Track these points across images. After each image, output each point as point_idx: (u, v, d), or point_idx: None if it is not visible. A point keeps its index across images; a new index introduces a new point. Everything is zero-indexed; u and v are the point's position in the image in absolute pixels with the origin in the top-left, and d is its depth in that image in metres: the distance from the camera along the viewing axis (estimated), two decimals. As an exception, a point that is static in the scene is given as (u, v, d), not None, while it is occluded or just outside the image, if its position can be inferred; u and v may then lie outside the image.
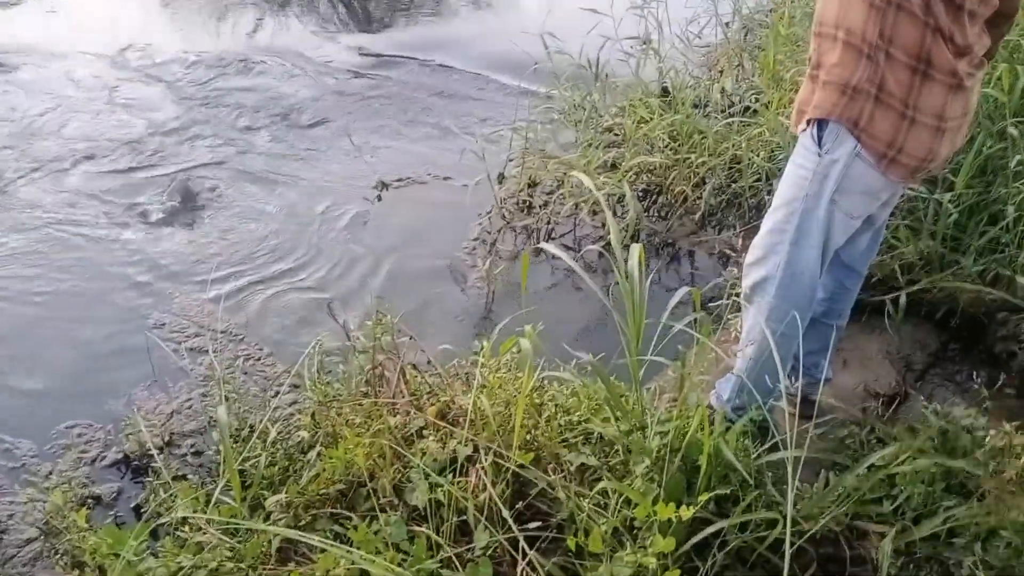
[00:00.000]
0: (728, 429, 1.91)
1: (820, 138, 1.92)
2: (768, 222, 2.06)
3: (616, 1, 3.91)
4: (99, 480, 2.49)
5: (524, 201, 3.63)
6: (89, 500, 2.41)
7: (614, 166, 3.67)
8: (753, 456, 1.91)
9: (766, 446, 1.98)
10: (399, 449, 1.99)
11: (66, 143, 4.18)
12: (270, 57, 5.07)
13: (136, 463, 2.55)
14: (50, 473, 2.49)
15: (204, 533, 2.00)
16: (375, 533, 1.88)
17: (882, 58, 1.81)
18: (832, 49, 1.88)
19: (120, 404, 2.73)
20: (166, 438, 2.60)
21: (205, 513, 2.05)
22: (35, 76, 4.82)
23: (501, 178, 3.74)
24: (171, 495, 2.23)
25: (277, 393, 2.74)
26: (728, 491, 1.80)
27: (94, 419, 2.67)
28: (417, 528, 1.86)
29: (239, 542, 1.99)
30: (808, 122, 1.95)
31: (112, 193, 3.83)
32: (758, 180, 3.47)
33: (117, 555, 1.95)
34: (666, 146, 3.67)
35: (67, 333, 3.07)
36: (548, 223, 3.52)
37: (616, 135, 3.91)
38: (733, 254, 3.04)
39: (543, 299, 3.13)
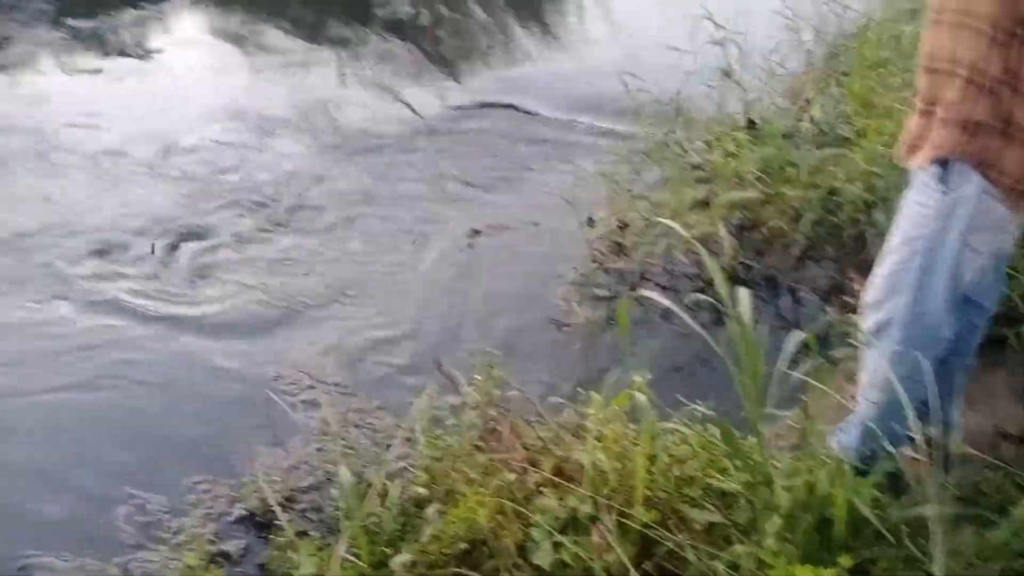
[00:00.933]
0: (860, 481, 1.85)
1: (943, 176, 1.87)
2: (888, 262, 2.01)
3: (694, 35, 3.92)
4: (226, 537, 2.57)
5: (616, 243, 3.64)
6: (218, 558, 2.49)
7: (705, 203, 3.65)
8: (889, 510, 1.85)
9: (902, 499, 1.92)
10: (519, 507, 2.00)
11: (179, 195, 4.38)
12: (355, 107, 5.23)
13: (260, 519, 2.62)
14: (179, 530, 2.58)
15: (331, 593, 2.05)
16: (501, 594, 1.90)
17: (1007, 92, 1.77)
18: (949, 85, 1.85)
19: (241, 459, 2.82)
20: (286, 494, 2.67)
21: (329, 571, 2.10)
22: (152, 129, 5.05)
23: (590, 221, 3.76)
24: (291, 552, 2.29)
25: (389, 447, 2.80)
26: (871, 551, 1.74)
27: (218, 474, 2.77)
28: (544, 589, 1.87)
29: (366, 603, 2.03)
30: (927, 160, 1.91)
31: (220, 236, 4.01)
32: (857, 211, 3.40)
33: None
34: (757, 179, 3.63)
35: (190, 385, 3.19)
36: (641, 265, 3.52)
37: (704, 171, 3.89)
38: (838, 289, 2.98)
39: (641, 343, 3.12)
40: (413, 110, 5.17)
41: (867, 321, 2.08)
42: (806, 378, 1.97)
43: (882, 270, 2.04)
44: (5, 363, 3.23)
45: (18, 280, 3.70)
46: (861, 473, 1.92)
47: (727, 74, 4.07)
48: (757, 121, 3.89)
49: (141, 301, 3.61)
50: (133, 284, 3.71)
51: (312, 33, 6.48)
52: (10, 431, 2.98)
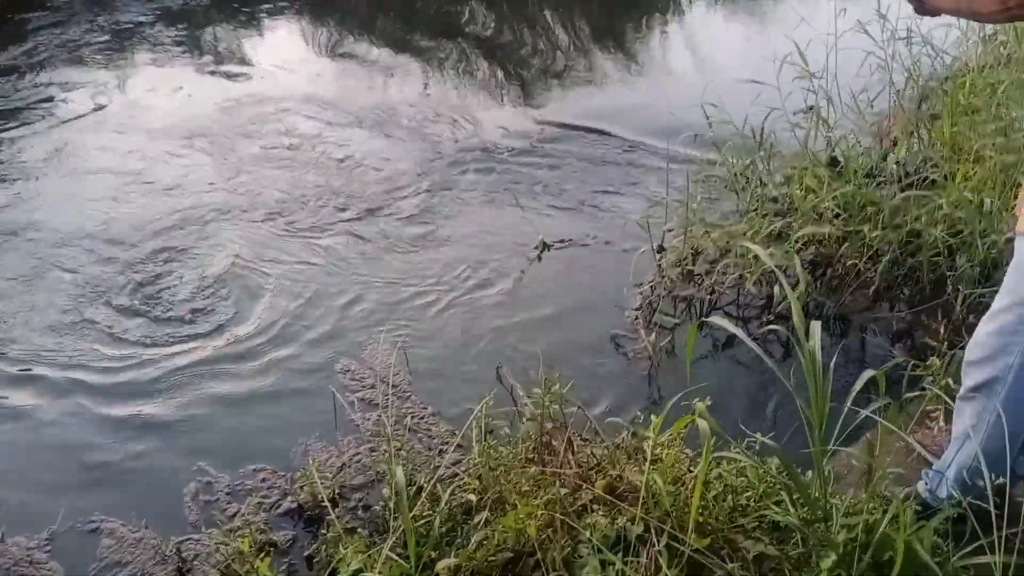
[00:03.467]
0: (922, 526, 1.79)
1: None
2: (995, 321, 1.96)
3: (781, 71, 3.87)
4: (276, 527, 2.62)
5: (686, 271, 3.60)
6: (266, 546, 2.53)
7: (779, 236, 3.59)
8: (951, 557, 1.78)
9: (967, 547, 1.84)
10: (570, 522, 1.98)
11: (271, 193, 4.54)
12: (436, 121, 5.31)
13: (309, 513, 2.66)
14: (234, 515, 2.64)
15: (375, 590, 2.06)
16: (544, 606, 1.88)
17: None
18: None
19: (298, 452, 2.88)
20: (337, 490, 2.71)
21: (375, 569, 2.11)
22: (235, 139, 5.25)
23: (662, 248, 3.73)
24: (341, 547, 2.32)
25: (441, 452, 2.81)
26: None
27: (276, 464, 2.83)
28: (587, 606, 1.84)
29: (409, 602, 2.03)
30: None
31: (307, 237, 4.15)
32: (937, 255, 3.30)
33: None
34: (836, 217, 3.55)
35: (267, 370, 3.30)
36: (711, 293, 3.47)
37: (781, 205, 3.82)
38: (910, 333, 2.89)
39: (706, 371, 3.08)
40: (492, 127, 5.22)
41: (969, 379, 2.03)
42: (874, 416, 1.91)
43: (988, 329, 1.99)
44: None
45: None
46: (925, 518, 1.86)
47: (812, 110, 4.01)
48: (840, 159, 3.82)
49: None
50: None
51: (399, 46, 6.63)
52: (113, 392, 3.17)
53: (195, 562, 2.51)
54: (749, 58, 5.72)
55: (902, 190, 3.49)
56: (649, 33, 7.04)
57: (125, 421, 3.06)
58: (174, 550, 2.53)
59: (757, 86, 3.86)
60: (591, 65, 6.25)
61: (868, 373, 1.97)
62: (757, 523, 2.02)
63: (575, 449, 2.27)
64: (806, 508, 1.91)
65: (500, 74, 6.15)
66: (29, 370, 3.30)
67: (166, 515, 2.68)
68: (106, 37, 6.74)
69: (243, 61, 6.45)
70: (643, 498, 1.95)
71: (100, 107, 5.60)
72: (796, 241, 3.45)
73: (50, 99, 5.72)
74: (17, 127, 5.33)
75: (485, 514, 2.23)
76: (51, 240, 4.14)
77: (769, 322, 3.08)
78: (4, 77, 6.01)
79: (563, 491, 2.09)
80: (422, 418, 3.04)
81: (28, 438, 3.02)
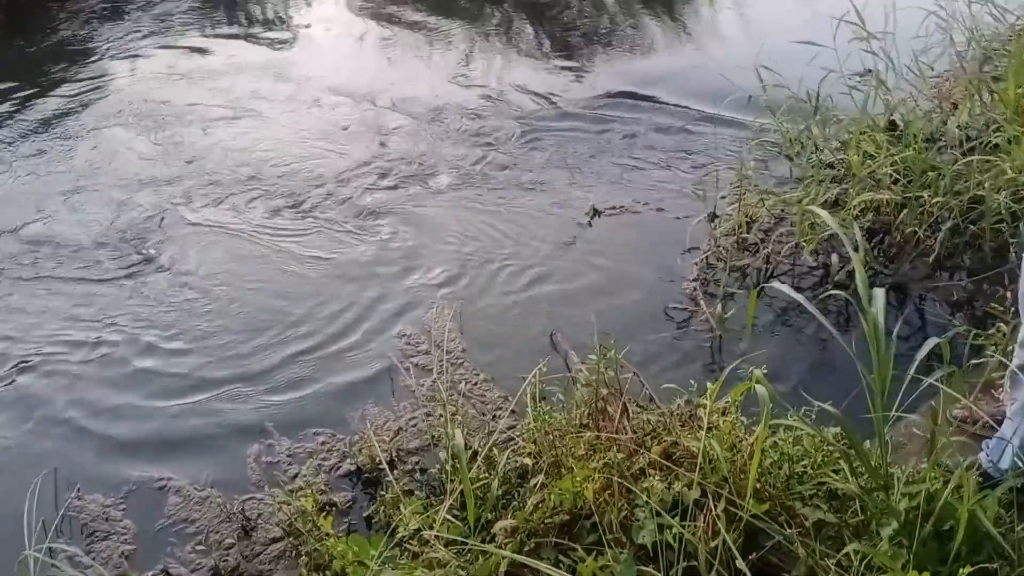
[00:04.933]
0: (986, 496, 1.77)
1: None
2: None
3: (838, 33, 3.78)
4: (336, 488, 2.69)
5: (741, 238, 3.56)
6: (327, 506, 2.60)
7: (836, 203, 3.53)
8: (1015, 527, 1.76)
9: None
10: (628, 484, 2.00)
11: (340, 167, 4.57)
12: (483, 87, 5.30)
13: (367, 475, 2.73)
14: (296, 476, 2.72)
15: (434, 549, 2.11)
16: (601, 568, 1.91)
17: None
18: None
19: (355, 416, 2.94)
20: (394, 453, 2.76)
21: (432, 529, 2.16)
22: (300, 113, 5.27)
23: (714, 216, 3.69)
24: (400, 507, 2.37)
25: (495, 417, 2.85)
26: (990, 566, 1.67)
27: (335, 428, 2.90)
28: (644, 568, 1.86)
29: (467, 562, 2.08)
30: None
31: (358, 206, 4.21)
32: (1000, 222, 3.21)
33: (360, 562, 2.09)
34: (894, 183, 3.48)
35: (325, 335, 3.36)
36: (767, 262, 3.44)
37: (837, 171, 3.75)
38: (971, 301, 2.84)
39: (763, 341, 3.06)
40: (544, 96, 5.18)
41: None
42: (937, 384, 1.89)
43: None
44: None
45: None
46: (988, 488, 1.84)
47: (870, 73, 3.91)
48: (899, 123, 3.72)
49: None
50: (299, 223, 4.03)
51: (444, 11, 6.60)
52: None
53: (259, 520, 2.59)
54: (803, 19, 5.59)
55: (964, 155, 3.39)
56: (698, -2, 6.89)
57: (192, 386, 3.15)
58: (239, 509, 2.61)
59: (812, 48, 3.78)
60: (639, 29, 6.16)
61: (932, 341, 1.94)
62: (815, 490, 2.02)
63: (630, 415, 2.28)
64: (866, 476, 1.90)
65: (546, 40, 6.10)
66: (99, 338, 3.41)
67: (231, 477, 2.77)
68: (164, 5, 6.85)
69: (292, 27, 6.49)
70: (700, 463, 1.96)
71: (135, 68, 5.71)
72: (853, 208, 3.39)
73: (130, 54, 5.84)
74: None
75: (541, 478, 2.26)
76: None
77: (827, 291, 3.03)
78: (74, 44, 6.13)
79: (619, 455, 2.11)
80: (475, 384, 3.08)
81: (101, 399, 3.12)
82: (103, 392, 3.14)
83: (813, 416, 2.14)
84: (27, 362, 3.27)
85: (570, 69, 5.54)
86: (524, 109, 4.99)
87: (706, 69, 5.13)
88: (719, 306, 3.19)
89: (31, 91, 5.47)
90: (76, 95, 5.42)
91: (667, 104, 4.90)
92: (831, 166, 3.77)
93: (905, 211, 3.38)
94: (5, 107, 5.27)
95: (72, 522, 2.61)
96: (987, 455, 2.16)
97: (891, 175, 3.49)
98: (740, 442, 2.16)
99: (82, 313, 3.54)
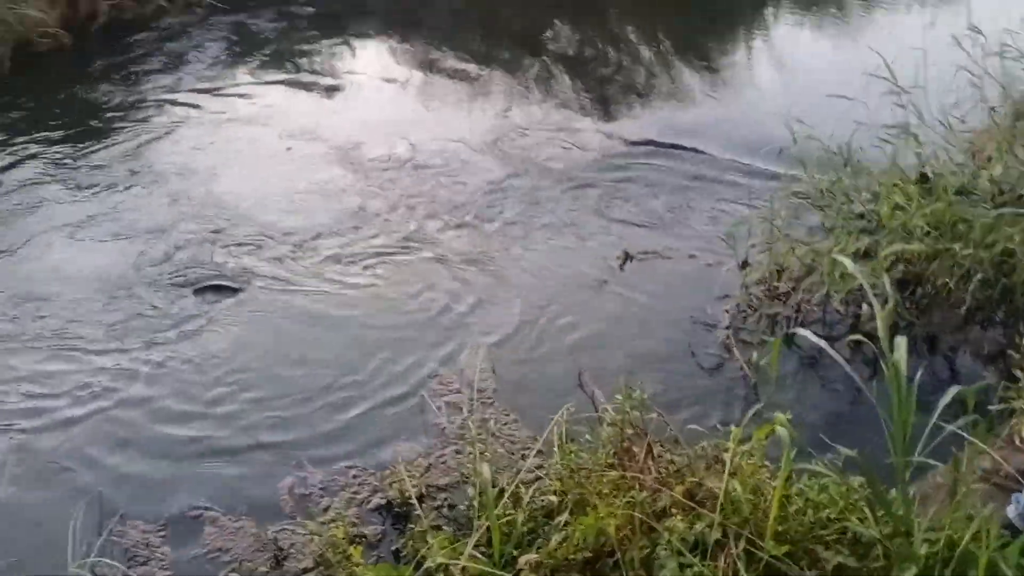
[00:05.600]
0: (1007, 542, 1.78)
1: None
2: None
3: (868, 87, 3.85)
4: (366, 521, 2.75)
5: (771, 287, 3.60)
6: (357, 538, 2.66)
7: (867, 254, 3.55)
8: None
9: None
10: (650, 523, 2.04)
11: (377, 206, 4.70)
12: (523, 135, 5.42)
13: (397, 509, 2.79)
14: (327, 508, 2.79)
15: (460, 582, 2.15)
16: (623, 604, 1.94)
17: None
18: None
19: (387, 452, 3.01)
20: (423, 489, 2.82)
21: (459, 562, 2.21)
22: (333, 157, 5.44)
23: (745, 263, 3.74)
24: (428, 540, 2.42)
25: (523, 456, 2.90)
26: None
27: (367, 463, 2.98)
28: (665, 606, 1.89)
29: (492, 595, 2.12)
30: None
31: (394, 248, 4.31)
32: (1033, 276, 3.22)
33: (388, 592, 2.14)
34: (926, 235, 3.50)
35: (359, 372, 3.45)
36: (797, 311, 3.47)
37: (868, 222, 3.78)
38: (1002, 354, 2.84)
39: (789, 387, 3.09)
40: (581, 144, 5.29)
41: None
42: (961, 433, 1.91)
43: None
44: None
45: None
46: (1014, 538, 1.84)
47: (901, 127, 3.96)
48: (930, 175, 3.75)
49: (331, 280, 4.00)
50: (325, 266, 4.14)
51: (485, 62, 6.79)
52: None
53: (291, 550, 2.66)
54: (836, 73, 5.68)
55: (996, 208, 3.41)
56: (733, 48, 7.01)
57: (227, 418, 3.25)
58: (272, 538, 2.68)
59: (844, 101, 3.86)
60: (674, 81, 6.28)
61: (955, 389, 1.97)
62: (838, 535, 2.04)
63: (655, 455, 2.32)
64: (888, 521, 1.92)
65: (583, 89, 6.23)
66: (151, 359, 3.52)
67: (264, 506, 2.84)
68: (214, 51, 7.14)
69: (337, 74, 6.72)
70: (722, 504, 1.99)
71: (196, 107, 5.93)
72: (884, 259, 3.42)
73: (174, 97, 6.11)
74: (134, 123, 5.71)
75: (566, 515, 2.31)
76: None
77: (856, 341, 3.05)
78: (135, 77, 6.42)
79: (643, 494, 2.15)
80: (504, 423, 3.13)
81: (147, 430, 3.22)
82: (145, 426, 3.24)
83: (842, 460, 2.16)
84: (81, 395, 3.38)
85: (606, 118, 5.67)
86: (560, 156, 5.10)
87: (740, 120, 5.23)
88: (747, 352, 3.22)
89: (79, 129, 5.70)
90: (121, 135, 5.66)
91: (701, 153, 4.98)
92: (862, 217, 3.80)
93: (936, 263, 3.40)
94: (61, 148, 5.51)
95: (114, 547, 2.70)
96: (1016, 508, 2.15)
97: (923, 227, 3.52)
98: (763, 485, 2.19)
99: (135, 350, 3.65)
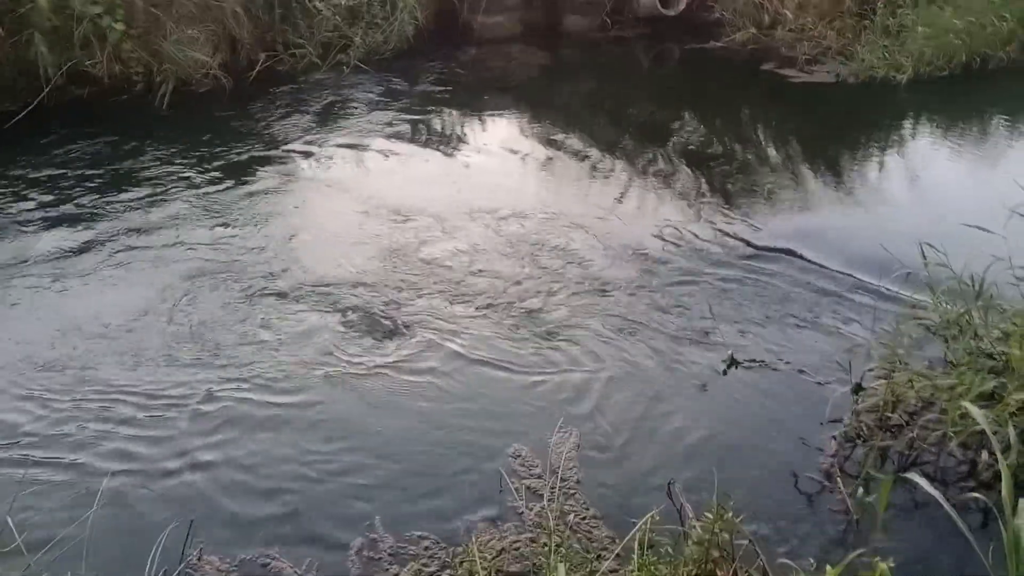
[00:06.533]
0: None
1: None
2: None
3: (1008, 220, 3.67)
4: (431, 598, 2.70)
5: (884, 417, 3.41)
6: (420, 616, 2.61)
7: (992, 396, 3.32)
8: None
9: None
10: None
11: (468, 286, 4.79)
12: (637, 226, 5.40)
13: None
14: (395, 576, 2.76)
15: None
16: None
17: None
18: None
19: (461, 527, 2.97)
20: (493, 573, 2.75)
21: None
22: (457, 222, 5.59)
23: (858, 388, 3.56)
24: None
25: (600, 557, 2.79)
26: None
27: (440, 535, 2.95)
28: None
29: None
30: None
31: (498, 318, 4.34)
32: None
33: None
34: (1061, 385, 3.25)
35: (440, 440, 3.46)
36: (911, 448, 3.26)
37: (996, 362, 3.55)
38: None
39: (897, 531, 2.87)
40: (693, 244, 5.20)
41: None
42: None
43: None
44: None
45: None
46: None
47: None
48: (1072, 319, 3.51)
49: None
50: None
51: (609, 146, 6.86)
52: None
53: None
54: (973, 201, 5.46)
55: None
56: (865, 159, 6.82)
57: (309, 465, 3.29)
58: (334, 601, 2.67)
59: (980, 232, 3.69)
60: (801, 187, 6.14)
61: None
62: None
63: (741, 583, 2.20)
64: None
65: (705, 186, 6.16)
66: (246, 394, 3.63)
67: (333, 563, 2.84)
68: (358, 109, 7.55)
69: (465, 147, 6.94)
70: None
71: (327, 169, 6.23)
72: (1010, 404, 3.19)
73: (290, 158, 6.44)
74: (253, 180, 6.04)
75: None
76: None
77: (971, 489, 2.84)
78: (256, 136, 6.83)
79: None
80: (584, 518, 3.04)
81: (233, 476, 3.32)
82: (233, 471, 3.33)
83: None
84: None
85: (725, 217, 5.57)
86: (673, 250, 5.04)
87: (867, 236, 5.03)
88: (858, 489, 3.02)
89: (218, 174, 6.08)
90: (257, 184, 5.99)
91: (823, 265, 4.80)
92: (990, 356, 3.57)
93: (1071, 417, 3.14)
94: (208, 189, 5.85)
95: (188, 577, 2.75)
96: None
97: (1058, 375, 3.28)
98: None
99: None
